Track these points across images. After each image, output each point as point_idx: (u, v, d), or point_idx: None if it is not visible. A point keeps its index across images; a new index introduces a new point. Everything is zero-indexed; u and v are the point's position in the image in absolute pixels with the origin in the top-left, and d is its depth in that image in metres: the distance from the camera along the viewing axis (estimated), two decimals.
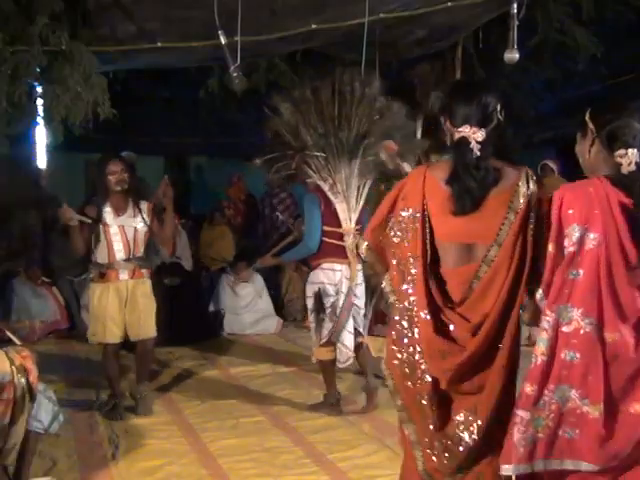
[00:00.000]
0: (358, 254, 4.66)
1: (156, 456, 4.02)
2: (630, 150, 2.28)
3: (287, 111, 4.66)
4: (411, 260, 2.42)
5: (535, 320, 2.36)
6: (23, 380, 3.00)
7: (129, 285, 4.67)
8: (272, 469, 3.84)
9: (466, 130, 2.38)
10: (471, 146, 2.36)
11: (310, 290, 4.77)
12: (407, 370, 2.44)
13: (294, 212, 8.41)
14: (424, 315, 2.38)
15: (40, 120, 5.73)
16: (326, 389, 4.86)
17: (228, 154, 11.13)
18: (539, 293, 2.30)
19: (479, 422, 2.36)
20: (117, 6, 5.23)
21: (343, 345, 4.79)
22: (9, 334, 3.26)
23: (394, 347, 2.48)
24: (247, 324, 7.52)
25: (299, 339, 7.01)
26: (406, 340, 2.44)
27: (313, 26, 5.37)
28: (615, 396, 2.19)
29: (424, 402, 2.41)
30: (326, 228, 4.69)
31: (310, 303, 4.77)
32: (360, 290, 4.83)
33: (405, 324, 2.44)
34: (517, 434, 2.24)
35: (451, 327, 2.38)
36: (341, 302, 4.72)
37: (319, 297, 4.70)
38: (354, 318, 4.85)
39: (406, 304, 2.44)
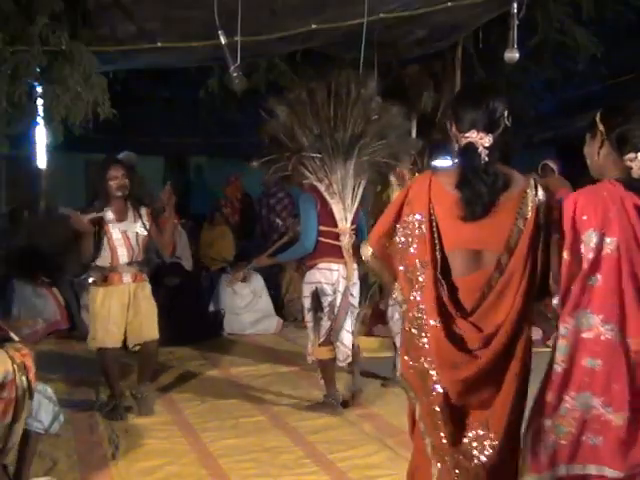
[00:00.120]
0: (354, 253, 4.77)
1: (156, 456, 4.01)
2: None
3: (283, 113, 4.70)
4: (419, 266, 2.35)
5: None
6: (24, 378, 3.00)
7: (131, 289, 4.68)
8: (272, 469, 3.83)
9: (473, 135, 2.33)
10: (479, 151, 2.31)
11: (307, 290, 4.78)
12: (420, 381, 2.38)
13: (292, 212, 8.43)
14: (434, 323, 2.31)
15: (40, 120, 5.74)
16: (326, 389, 4.86)
17: (228, 154, 11.14)
18: (556, 300, 2.26)
19: (492, 437, 2.30)
20: (117, 6, 5.24)
21: (342, 344, 4.81)
22: (10, 332, 3.25)
23: (406, 357, 2.42)
24: (247, 324, 7.52)
25: (299, 339, 7.00)
26: (418, 348, 2.38)
27: (313, 26, 5.37)
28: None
29: (437, 414, 2.34)
30: (322, 228, 4.70)
31: (307, 302, 4.78)
32: (356, 289, 4.86)
33: (415, 332, 2.37)
34: (538, 442, 2.20)
35: (463, 336, 2.30)
36: (339, 301, 4.74)
37: (316, 296, 4.71)
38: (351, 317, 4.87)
39: (415, 312, 2.37)
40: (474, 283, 2.32)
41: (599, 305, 2.18)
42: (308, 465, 3.88)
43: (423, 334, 2.34)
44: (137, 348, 4.78)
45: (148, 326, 4.71)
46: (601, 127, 2.33)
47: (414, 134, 6.47)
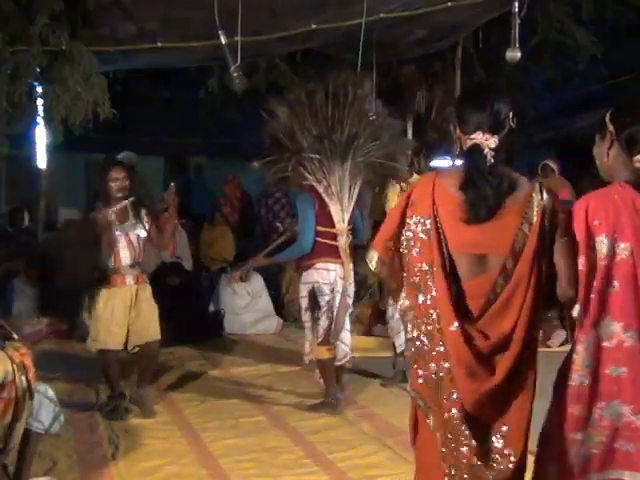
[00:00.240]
0: (351, 254, 4.80)
1: (156, 456, 4.01)
2: None
3: (283, 114, 4.73)
4: (425, 269, 2.28)
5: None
6: (23, 378, 2.99)
7: (133, 290, 4.68)
8: (272, 469, 3.83)
9: (479, 137, 2.28)
10: (485, 153, 2.26)
11: (304, 289, 4.80)
12: (431, 390, 2.30)
13: (290, 212, 8.45)
14: (452, 328, 2.22)
15: (40, 120, 5.74)
16: (326, 389, 4.87)
17: (228, 154, 11.15)
18: (576, 308, 2.20)
19: (511, 450, 2.25)
20: (117, 6, 5.24)
21: (342, 342, 4.86)
22: (11, 331, 3.25)
23: (415, 365, 2.34)
24: (247, 324, 7.52)
25: (299, 339, 6.97)
26: (427, 357, 2.29)
27: (313, 26, 5.37)
28: None
29: (453, 423, 2.26)
30: (320, 228, 4.73)
31: (305, 302, 4.81)
32: (351, 290, 4.90)
33: (424, 339, 2.30)
34: (568, 457, 2.17)
35: (475, 342, 2.23)
36: (337, 301, 4.76)
37: (313, 295, 4.74)
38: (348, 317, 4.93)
39: (424, 318, 2.29)
40: (479, 288, 2.25)
41: (619, 312, 2.14)
42: (308, 465, 3.88)
43: (435, 340, 2.27)
44: (136, 350, 4.78)
45: (150, 327, 4.71)
46: (611, 127, 2.27)
47: (410, 134, 6.47)
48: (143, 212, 4.77)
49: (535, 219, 2.23)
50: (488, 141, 2.28)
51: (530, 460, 2.34)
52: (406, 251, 2.35)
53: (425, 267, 2.29)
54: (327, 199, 4.73)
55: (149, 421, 4.61)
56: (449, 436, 2.27)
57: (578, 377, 2.19)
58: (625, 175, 2.25)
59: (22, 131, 6.30)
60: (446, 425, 2.27)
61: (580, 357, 2.19)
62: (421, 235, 2.30)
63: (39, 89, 5.53)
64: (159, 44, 5.42)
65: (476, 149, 2.28)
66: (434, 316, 2.27)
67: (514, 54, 5.51)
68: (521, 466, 2.29)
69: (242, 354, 6.57)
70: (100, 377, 4.94)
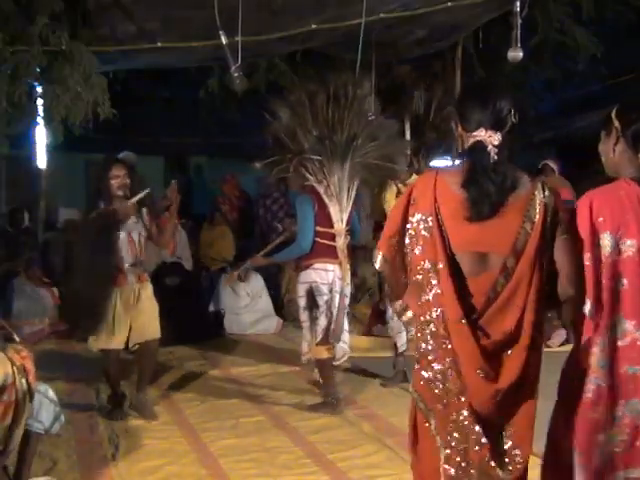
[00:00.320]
0: (348, 254, 4.81)
1: (156, 456, 4.01)
2: None
3: (285, 115, 4.75)
4: (428, 267, 2.26)
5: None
6: (24, 381, 2.99)
7: (135, 289, 4.66)
8: (272, 469, 3.84)
9: (482, 134, 2.26)
10: (488, 149, 2.24)
11: (302, 289, 4.83)
12: (436, 390, 2.27)
13: (289, 212, 8.46)
14: (461, 324, 2.20)
15: (40, 120, 5.74)
16: (325, 388, 4.88)
17: (228, 154, 11.15)
18: (588, 307, 2.17)
19: (520, 451, 2.25)
20: (117, 6, 5.24)
21: (342, 342, 4.89)
22: (12, 332, 3.24)
23: (418, 365, 2.32)
24: (247, 324, 7.52)
25: (299, 339, 6.95)
26: (432, 356, 2.27)
27: (313, 26, 5.37)
28: None
29: (465, 424, 2.23)
30: (319, 229, 4.76)
31: (302, 302, 4.83)
32: (348, 290, 4.92)
33: (429, 339, 2.27)
34: (596, 459, 2.15)
35: (480, 340, 2.22)
36: (337, 301, 4.79)
37: (311, 295, 4.77)
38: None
39: (427, 317, 2.27)
40: (480, 286, 2.24)
41: (630, 310, 2.13)
42: (308, 465, 3.88)
43: (438, 339, 2.25)
44: (136, 347, 4.77)
45: (151, 325, 4.70)
46: (617, 123, 2.25)
47: (408, 135, 6.47)
48: (144, 211, 4.77)
49: (537, 217, 2.22)
50: (491, 138, 2.26)
51: (532, 461, 2.33)
52: (409, 249, 2.33)
53: (428, 265, 2.27)
54: (327, 200, 4.76)
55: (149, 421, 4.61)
56: (456, 436, 2.25)
57: (594, 379, 2.16)
58: (631, 172, 2.23)
59: (22, 131, 6.30)
60: (454, 426, 2.25)
61: (595, 358, 2.17)
62: (423, 233, 2.28)
63: (39, 89, 5.53)
64: (159, 44, 5.41)
65: (479, 146, 2.27)
66: (438, 313, 2.25)
67: (516, 54, 5.49)
68: (526, 466, 2.29)
69: (242, 354, 6.57)
70: (100, 377, 4.94)
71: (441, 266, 2.24)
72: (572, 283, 2.21)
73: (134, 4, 5.23)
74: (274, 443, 4.22)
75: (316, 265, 4.76)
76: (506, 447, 2.25)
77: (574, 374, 2.23)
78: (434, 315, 2.26)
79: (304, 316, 4.85)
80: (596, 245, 2.15)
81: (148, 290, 4.76)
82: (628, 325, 2.13)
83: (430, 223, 2.27)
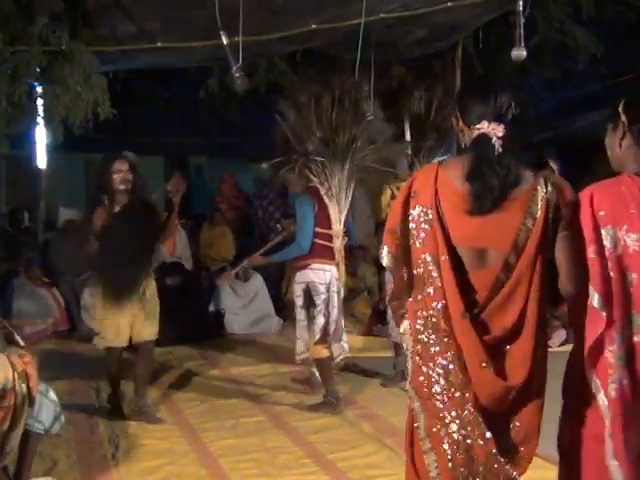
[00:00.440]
0: (345, 255, 4.84)
1: (156, 456, 4.02)
2: None
3: (292, 116, 4.81)
4: (429, 260, 2.24)
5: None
6: (24, 386, 2.97)
7: (141, 288, 4.59)
8: (272, 469, 3.84)
9: (485, 126, 2.24)
10: (493, 142, 2.21)
11: (299, 288, 4.86)
12: (436, 386, 2.25)
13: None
14: (465, 320, 2.18)
15: (40, 120, 5.73)
16: (325, 387, 4.89)
17: (228, 154, 11.15)
18: (596, 299, 2.11)
19: (525, 449, 2.24)
20: (117, 6, 5.24)
21: (344, 341, 4.99)
22: (16, 335, 3.24)
23: (417, 360, 2.29)
24: (247, 324, 7.52)
25: None
26: (433, 351, 2.25)
27: (313, 26, 5.37)
28: None
29: (471, 419, 2.20)
30: (318, 230, 4.81)
31: (299, 301, 4.87)
32: (341, 290, 4.99)
33: (430, 333, 2.25)
34: (632, 455, 2.11)
35: (482, 335, 2.20)
36: (335, 301, 4.85)
37: (308, 294, 4.81)
38: None
39: (431, 311, 2.24)
40: (481, 280, 2.22)
41: None
42: (308, 465, 3.89)
43: (439, 333, 2.23)
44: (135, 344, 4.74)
45: (150, 325, 4.65)
46: (624, 118, 2.23)
47: (408, 136, 6.47)
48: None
49: (539, 213, 2.19)
50: (495, 130, 2.24)
51: (535, 462, 2.33)
52: (411, 242, 2.31)
53: (428, 258, 2.25)
54: (327, 201, 4.83)
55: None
56: (463, 432, 2.22)
57: (617, 377, 2.11)
58: (635, 167, 2.21)
59: (22, 131, 6.30)
60: (458, 422, 2.23)
61: (614, 355, 2.11)
62: (424, 226, 2.26)
63: (39, 89, 5.52)
64: (159, 44, 5.41)
65: (483, 138, 2.24)
66: (439, 307, 2.23)
67: (519, 53, 5.45)
68: (529, 463, 2.28)
69: (242, 354, 6.57)
70: (100, 376, 4.94)
71: (443, 258, 2.22)
72: (572, 281, 2.20)
73: (134, 4, 5.23)
74: (274, 443, 4.22)
75: (314, 265, 4.81)
76: (512, 443, 2.24)
77: (579, 374, 2.19)
78: (436, 308, 2.23)
79: (301, 315, 4.89)
80: (599, 238, 2.12)
81: (153, 287, 4.72)
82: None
83: (430, 216, 2.25)
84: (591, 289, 2.13)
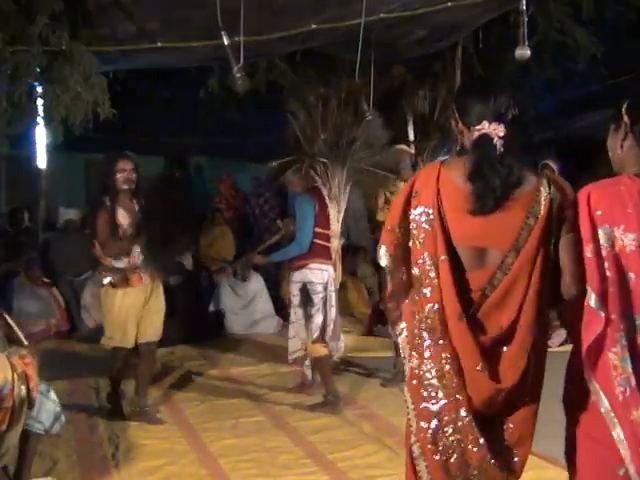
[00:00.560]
0: (343, 255, 4.85)
1: (156, 456, 4.02)
2: None
3: (303, 116, 4.86)
4: (427, 261, 2.22)
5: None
6: (23, 388, 2.97)
7: (149, 289, 4.59)
8: (272, 469, 3.84)
9: (485, 127, 2.23)
10: (494, 142, 2.20)
11: (295, 288, 4.90)
12: (430, 389, 2.22)
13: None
14: (460, 319, 2.17)
15: (40, 120, 5.73)
16: (324, 386, 4.89)
17: (228, 154, 11.14)
18: (592, 299, 2.09)
19: (519, 452, 2.24)
20: (117, 6, 5.24)
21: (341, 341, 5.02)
22: (18, 334, 3.23)
23: (414, 362, 2.27)
24: (247, 324, 7.53)
25: None
26: (428, 353, 2.22)
27: (313, 26, 5.37)
28: None
29: (465, 422, 2.19)
30: (317, 230, 4.85)
31: (296, 300, 4.90)
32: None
33: (425, 334, 2.23)
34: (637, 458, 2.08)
35: (477, 335, 2.19)
36: (333, 301, 4.88)
37: (305, 293, 4.84)
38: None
39: (426, 313, 2.22)
40: (478, 281, 2.21)
41: (639, 305, 2.09)
42: (308, 465, 3.88)
43: (435, 334, 2.21)
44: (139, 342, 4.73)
45: (154, 326, 4.64)
46: (626, 118, 2.21)
47: (412, 135, 6.48)
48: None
49: (542, 213, 2.18)
50: (496, 130, 2.22)
51: (531, 461, 2.33)
52: (410, 242, 2.30)
53: (427, 259, 2.24)
54: (328, 202, 4.87)
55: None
56: (457, 436, 2.21)
57: (622, 380, 2.09)
58: (636, 169, 2.20)
59: (22, 131, 6.29)
60: (452, 426, 2.21)
61: (618, 358, 2.10)
62: (424, 225, 2.25)
63: (39, 89, 5.52)
64: (159, 44, 5.41)
65: (485, 139, 2.23)
66: (435, 309, 2.21)
67: (524, 52, 5.42)
68: (524, 465, 2.27)
69: (242, 354, 6.57)
70: (100, 376, 4.93)
71: (442, 259, 2.21)
72: (576, 282, 2.17)
73: (134, 4, 5.23)
74: (274, 443, 4.22)
75: (312, 265, 4.83)
76: (506, 445, 2.23)
77: (579, 375, 2.17)
78: (432, 310, 2.22)
79: (298, 314, 4.92)
80: (596, 238, 2.12)
81: (160, 289, 4.70)
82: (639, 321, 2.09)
83: (432, 216, 2.23)
84: (588, 289, 2.12)
